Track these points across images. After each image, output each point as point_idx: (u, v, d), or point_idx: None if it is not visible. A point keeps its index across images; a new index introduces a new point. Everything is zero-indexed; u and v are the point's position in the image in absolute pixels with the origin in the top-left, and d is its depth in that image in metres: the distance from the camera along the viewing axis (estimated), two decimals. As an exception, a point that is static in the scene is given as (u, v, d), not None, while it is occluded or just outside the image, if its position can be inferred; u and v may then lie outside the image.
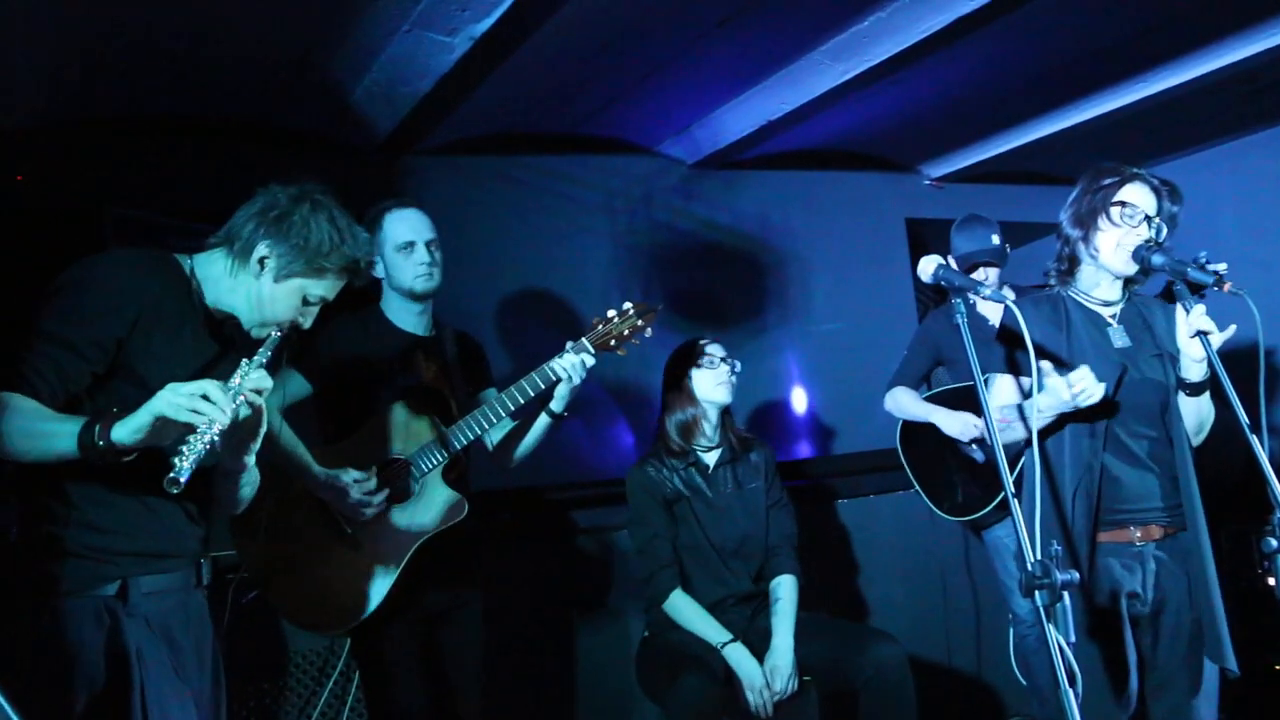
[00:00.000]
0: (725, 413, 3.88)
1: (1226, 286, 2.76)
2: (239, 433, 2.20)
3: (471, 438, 3.23)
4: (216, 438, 2.02)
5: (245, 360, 2.18)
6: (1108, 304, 3.03)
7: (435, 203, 3.98)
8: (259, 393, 2.15)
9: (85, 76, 3.50)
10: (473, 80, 3.68)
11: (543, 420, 3.41)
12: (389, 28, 3.34)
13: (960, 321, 2.62)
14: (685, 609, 3.68)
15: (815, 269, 5.31)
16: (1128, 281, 3.02)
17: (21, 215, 3.44)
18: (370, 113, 3.99)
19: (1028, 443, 2.84)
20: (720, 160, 4.90)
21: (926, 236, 5.59)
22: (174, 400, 1.99)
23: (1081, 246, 3.01)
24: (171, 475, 1.98)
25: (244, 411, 2.14)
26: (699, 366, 3.80)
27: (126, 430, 1.99)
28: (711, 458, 3.90)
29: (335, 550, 3.09)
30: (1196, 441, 2.98)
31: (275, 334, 2.35)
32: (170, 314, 2.27)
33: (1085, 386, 2.76)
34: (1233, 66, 4.09)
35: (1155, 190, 2.97)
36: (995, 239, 4.26)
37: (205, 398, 2.00)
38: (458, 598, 3.33)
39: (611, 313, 3.31)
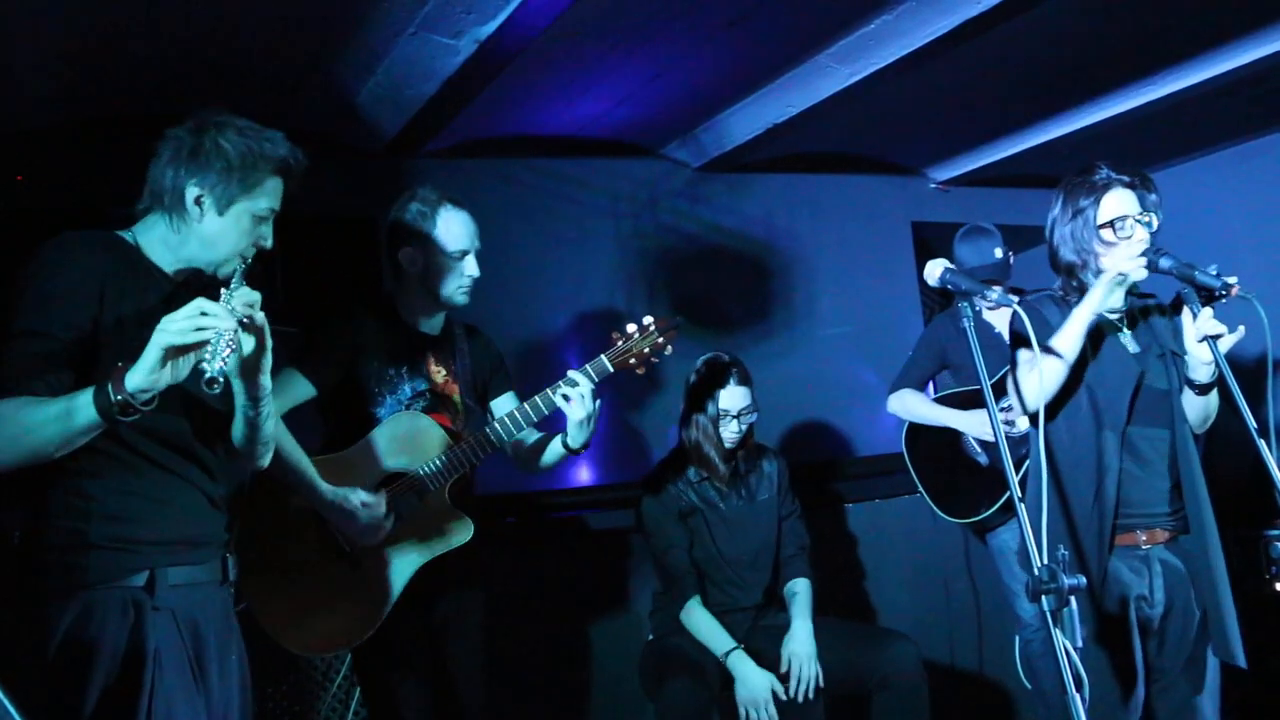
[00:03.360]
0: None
1: (1234, 290, 2.75)
2: (246, 356, 2.19)
3: (475, 460, 3.09)
4: (233, 341, 2.02)
5: (223, 290, 2.14)
6: (1115, 309, 3.02)
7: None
8: (251, 306, 2.11)
9: (87, 76, 3.50)
10: (478, 83, 3.67)
11: (558, 451, 3.26)
12: (394, 30, 3.34)
13: (966, 325, 2.61)
14: (699, 619, 3.68)
15: (821, 272, 5.30)
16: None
17: (22, 215, 3.44)
18: (375, 115, 3.98)
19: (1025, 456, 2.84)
20: (726, 164, 4.88)
21: (932, 240, 5.57)
22: (174, 327, 1.96)
23: (1089, 275, 3.00)
24: (208, 375, 1.96)
25: (246, 344, 2.13)
26: (721, 418, 3.79)
27: (139, 375, 1.95)
28: (730, 466, 3.90)
29: (332, 570, 2.96)
30: (1200, 431, 2.99)
31: (239, 264, 2.30)
32: (130, 283, 2.23)
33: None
34: (1242, 69, 4.07)
35: (1130, 186, 2.95)
36: (998, 252, 4.25)
37: (203, 313, 1.98)
38: (461, 602, 3.27)
39: (632, 328, 3.16)
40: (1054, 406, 2.97)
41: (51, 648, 2.05)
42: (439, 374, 3.25)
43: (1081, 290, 3.02)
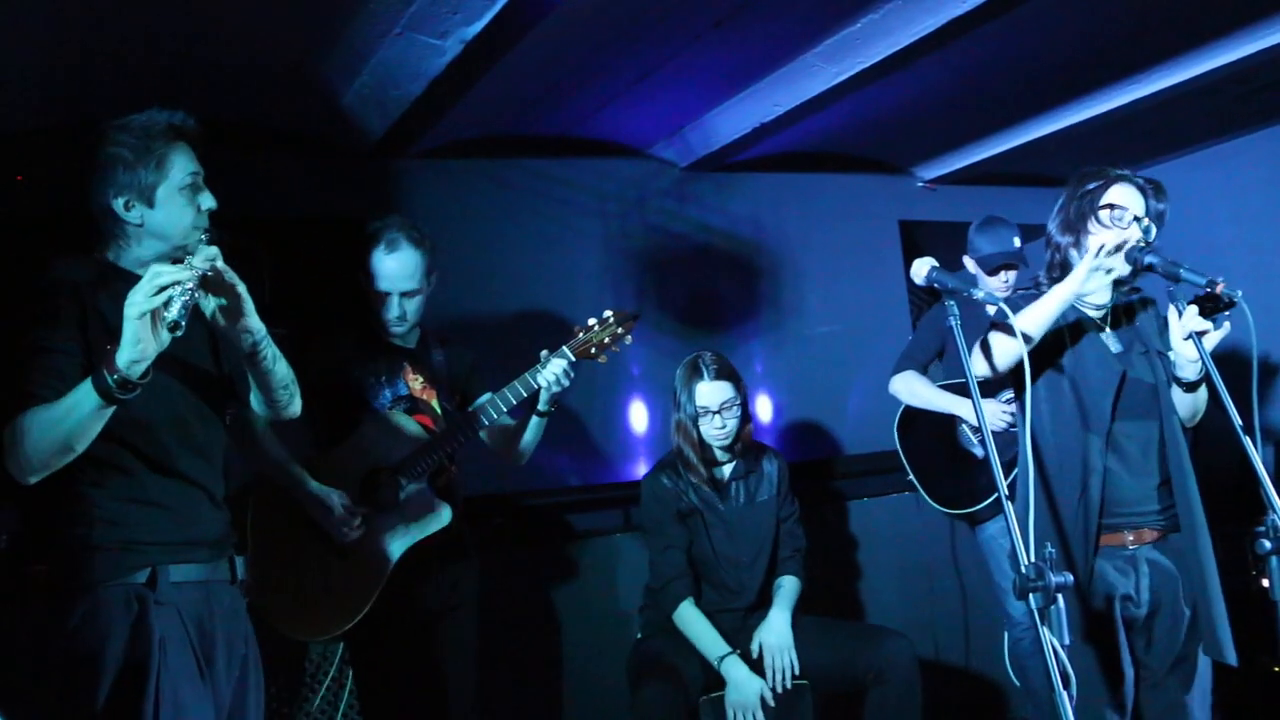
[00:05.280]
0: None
1: (1220, 288, 2.76)
2: (224, 305, 2.31)
3: (454, 446, 3.28)
4: (194, 291, 2.11)
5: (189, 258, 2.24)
6: (1099, 307, 3.03)
7: (427, 206, 3.98)
8: (210, 260, 2.21)
9: (82, 77, 3.49)
10: (464, 83, 3.66)
11: (535, 420, 3.44)
12: (380, 31, 3.33)
13: (953, 323, 2.62)
14: (692, 620, 3.67)
15: (808, 271, 5.31)
16: (1116, 283, 3.03)
17: (22, 216, 3.45)
18: (362, 116, 3.97)
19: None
20: (713, 163, 4.89)
21: (919, 238, 5.58)
22: (137, 297, 2.05)
23: (1073, 252, 3.01)
24: (169, 320, 2.06)
25: (213, 299, 2.26)
26: (700, 415, 3.76)
27: (125, 350, 2.05)
28: (725, 471, 3.88)
29: (323, 557, 3.13)
30: (1189, 425, 3.02)
31: (203, 238, 2.36)
32: (102, 286, 2.33)
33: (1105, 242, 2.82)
34: (1227, 67, 4.09)
35: (1141, 190, 2.99)
36: (1017, 241, 4.29)
37: (157, 275, 2.07)
38: (452, 602, 3.34)
39: (592, 321, 3.32)
40: (1039, 406, 2.98)
41: (60, 646, 2.15)
42: (416, 381, 3.42)
43: (1064, 271, 3.03)
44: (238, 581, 2.48)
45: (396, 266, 3.33)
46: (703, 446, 3.80)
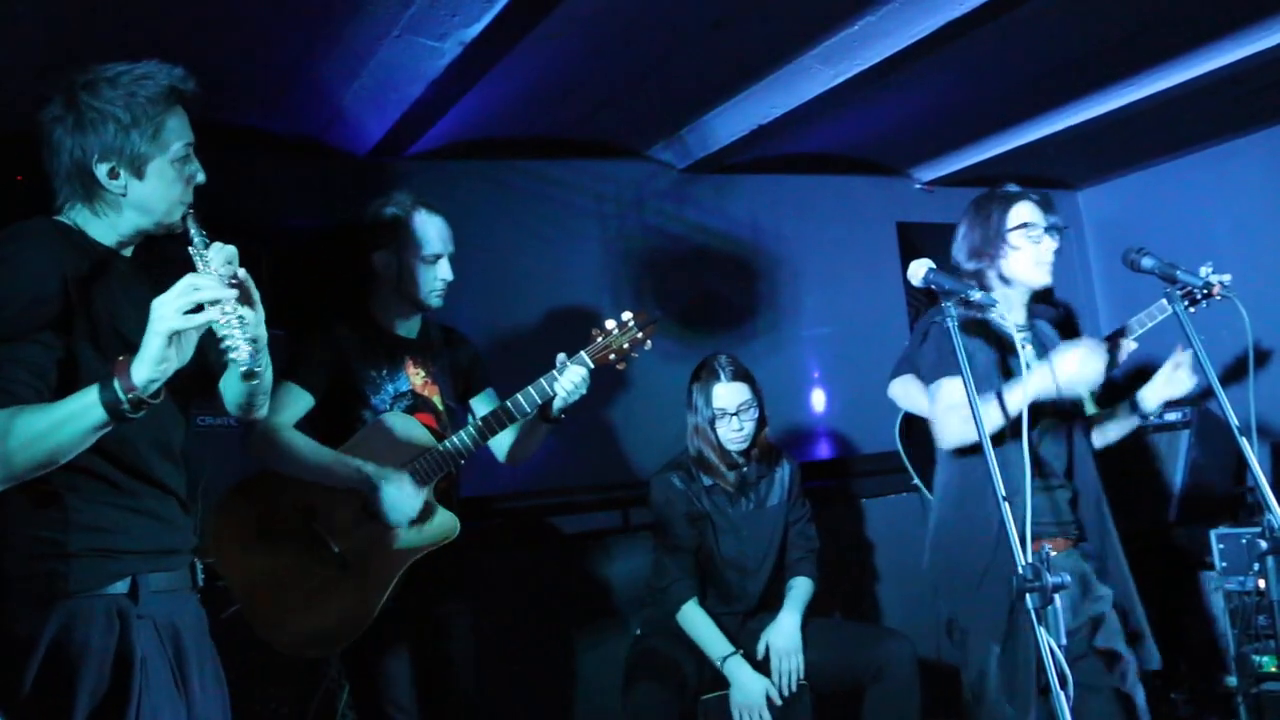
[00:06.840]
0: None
1: (1216, 289, 2.78)
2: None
3: (467, 454, 3.13)
4: (240, 314, 1.92)
5: (190, 249, 2.04)
6: (1020, 327, 3.08)
7: (425, 208, 3.93)
8: (230, 263, 1.98)
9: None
10: (463, 85, 3.67)
11: (544, 427, 3.33)
12: (379, 32, 3.33)
13: (950, 324, 2.63)
14: (696, 621, 3.66)
15: (806, 273, 5.31)
16: (1032, 300, 3.14)
17: (22, 216, 3.44)
18: (360, 118, 3.98)
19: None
20: (711, 165, 4.89)
21: (917, 240, 5.59)
22: (171, 308, 1.86)
23: (990, 276, 3.07)
24: (245, 368, 1.90)
25: (246, 312, 1.99)
26: (717, 417, 3.75)
27: (146, 366, 1.86)
28: (740, 475, 3.86)
29: (321, 570, 2.97)
30: (1100, 445, 3.22)
31: (187, 212, 2.15)
32: (85, 268, 2.10)
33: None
34: (1224, 69, 4.09)
35: (1038, 204, 3.08)
36: None
37: (195, 288, 1.88)
38: (448, 605, 3.27)
39: (610, 324, 3.19)
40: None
41: (35, 659, 1.96)
42: (418, 376, 3.28)
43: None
44: (198, 588, 2.32)
45: (443, 226, 3.26)
46: (721, 450, 3.79)
